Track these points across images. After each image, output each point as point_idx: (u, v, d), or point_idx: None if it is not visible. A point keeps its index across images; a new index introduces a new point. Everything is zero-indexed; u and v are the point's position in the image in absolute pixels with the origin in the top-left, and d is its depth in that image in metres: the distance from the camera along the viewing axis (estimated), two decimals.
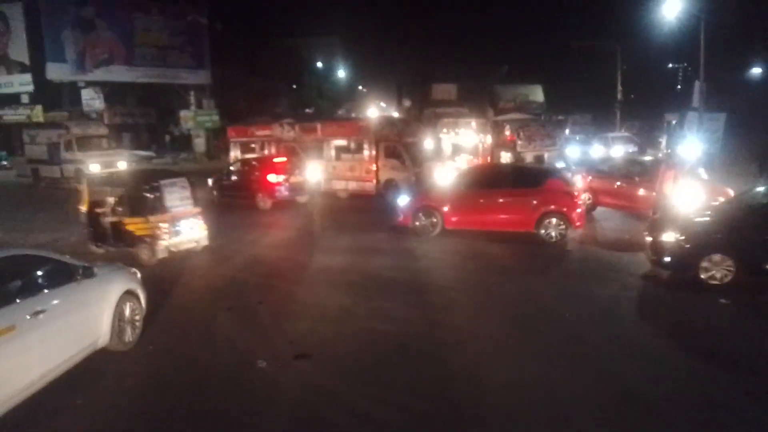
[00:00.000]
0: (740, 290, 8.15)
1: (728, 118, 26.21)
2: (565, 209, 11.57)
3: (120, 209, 10.69)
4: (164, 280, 9.13)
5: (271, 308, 7.96)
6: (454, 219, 12.33)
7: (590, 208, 14.47)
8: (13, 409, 4.66)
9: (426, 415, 5.02)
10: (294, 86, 57.17)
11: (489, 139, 22.97)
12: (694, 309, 7.82)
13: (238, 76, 44.68)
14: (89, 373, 5.71)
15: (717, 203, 10.96)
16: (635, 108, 38.64)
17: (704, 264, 8.36)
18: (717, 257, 8.34)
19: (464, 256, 10.93)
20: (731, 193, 12.37)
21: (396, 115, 36.97)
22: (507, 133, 23.04)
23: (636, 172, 14.39)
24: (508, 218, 12.01)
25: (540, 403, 5.17)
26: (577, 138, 31.76)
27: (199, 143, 40.57)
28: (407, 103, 41.55)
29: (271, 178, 17.16)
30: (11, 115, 36.38)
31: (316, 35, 58.79)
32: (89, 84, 36.25)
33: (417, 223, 12.50)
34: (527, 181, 12.43)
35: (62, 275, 5.62)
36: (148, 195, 10.38)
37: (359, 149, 19.38)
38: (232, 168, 19.39)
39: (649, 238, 9.33)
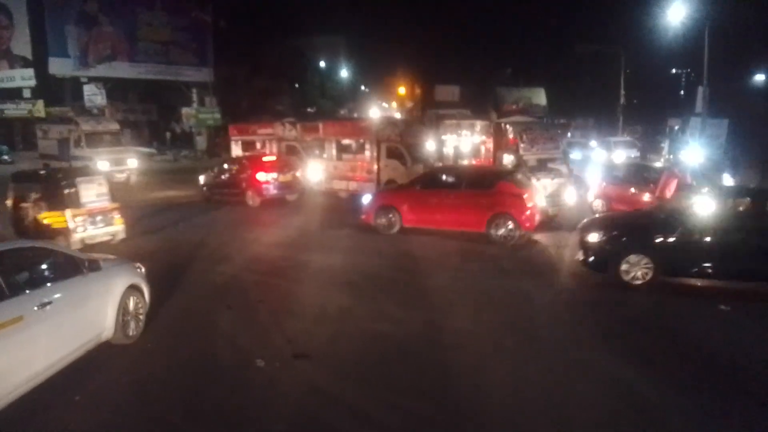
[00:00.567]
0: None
1: (731, 125, 26.23)
2: (513, 211, 11.89)
3: (41, 204, 11.14)
4: None
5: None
6: (411, 218, 12.82)
7: None
8: (11, 402, 4.62)
9: None
10: (296, 85, 57.14)
11: (491, 142, 22.93)
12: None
13: (240, 74, 44.68)
14: (89, 367, 5.69)
15: (653, 207, 11.30)
16: (638, 111, 38.67)
17: (624, 266, 8.60)
18: (634, 258, 8.58)
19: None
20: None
21: (398, 115, 36.97)
22: (510, 135, 23.01)
23: (651, 179, 14.35)
24: (461, 218, 12.40)
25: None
26: (579, 142, 31.80)
27: (201, 141, 40.59)
28: (410, 104, 41.58)
29: (260, 176, 17.34)
30: (13, 110, 36.38)
31: (320, 34, 58.70)
32: (91, 79, 36.27)
33: (377, 221, 12.98)
34: (480, 183, 12.80)
35: (69, 268, 5.63)
36: (65, 191, 11.10)
37: (361, 149, 19.37)
38: (223, 166, 19.39)
39: (579, 239, 9.60)
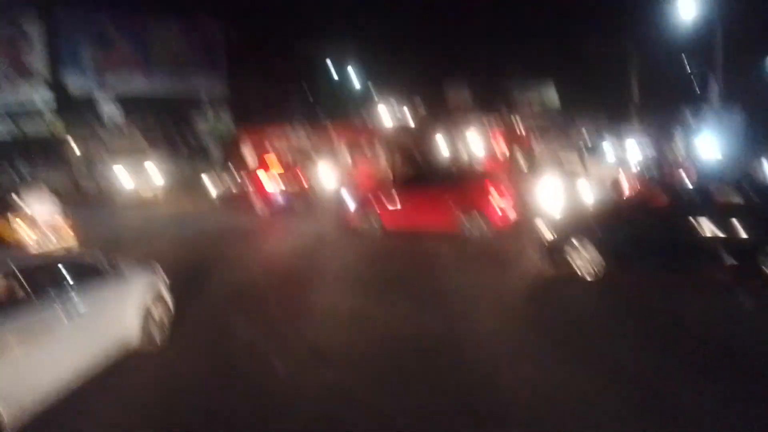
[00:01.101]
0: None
1: (746, 116, 25.93)
2: (484, 210, 12.21)
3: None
4: None
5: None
6: (389, 219, 13.29)
7: None
8: (38, 411, 4.66)
9: None
10: (309, 95, 57.39)
11: (504, 144, 22.96)
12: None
13: (254, 85, 45.03)
14: (115, 374, 5.73)
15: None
16: (651, 102, 38.12)
17: (571, 254, 8.85)
18: (577, 244, 8.84)
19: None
20: None
21: (411, 121, 37.09)
22: (524, 135, 23.04)
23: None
24: (435, 219, 12.78)
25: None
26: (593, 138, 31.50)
27: (215, 154, 40.97)
28: (423, 109, 41.66)
29: (269, 188, 17.63)
30: (33, 130, 37.10)
31: (333, 42, 58.97)
32: (108, 97, 36.91)
33: (360, 224, 13.47)
34: (453, 182, 13.21)
35: (95, 276, 5.77)
36: (17, 205, 11.20)
37: (374, 156, 19.52)
38: (234, 178, 19.70)
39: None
